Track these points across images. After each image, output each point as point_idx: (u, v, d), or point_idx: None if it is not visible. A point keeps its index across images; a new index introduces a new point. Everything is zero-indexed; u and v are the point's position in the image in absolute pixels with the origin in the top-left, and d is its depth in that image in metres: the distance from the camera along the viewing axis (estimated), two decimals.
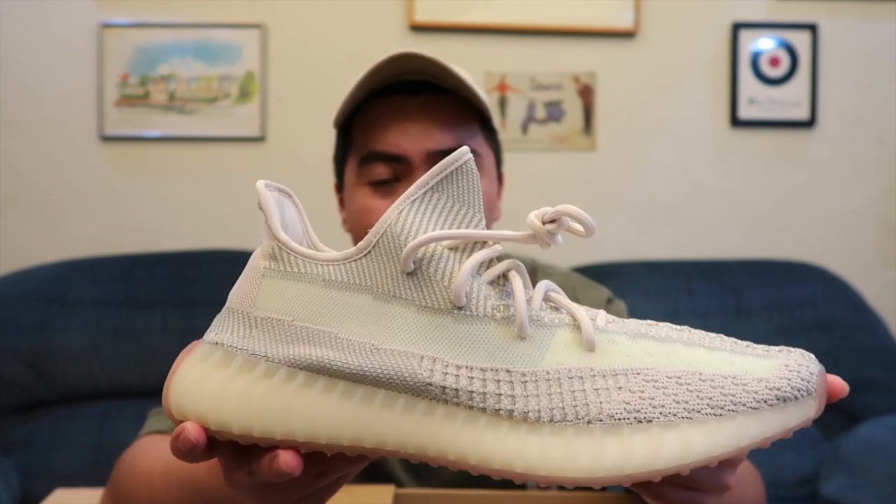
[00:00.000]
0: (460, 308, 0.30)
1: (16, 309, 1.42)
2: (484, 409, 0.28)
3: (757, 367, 0.30)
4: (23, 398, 1.41)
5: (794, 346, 0.33)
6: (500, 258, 0.33)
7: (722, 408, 0.28)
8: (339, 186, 0.74)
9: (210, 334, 0.33)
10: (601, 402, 0.28)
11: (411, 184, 0.52)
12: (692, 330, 0.32)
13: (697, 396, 0.28)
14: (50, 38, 1.65)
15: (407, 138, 0.63)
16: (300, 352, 0.30)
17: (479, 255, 0.31)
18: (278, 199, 0.34)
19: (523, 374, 0.29)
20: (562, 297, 0.33)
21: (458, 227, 0.31)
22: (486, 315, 0.30)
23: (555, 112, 1.70)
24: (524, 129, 1.68)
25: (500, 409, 0.28)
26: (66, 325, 1.41)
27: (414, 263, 0.30)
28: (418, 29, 1.66)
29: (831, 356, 1.45)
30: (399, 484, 0.76)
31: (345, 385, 0.29)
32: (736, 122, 1.71)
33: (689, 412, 0.28)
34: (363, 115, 0.67)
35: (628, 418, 0.27)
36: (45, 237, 1.66)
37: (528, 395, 0.28)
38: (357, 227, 0.67)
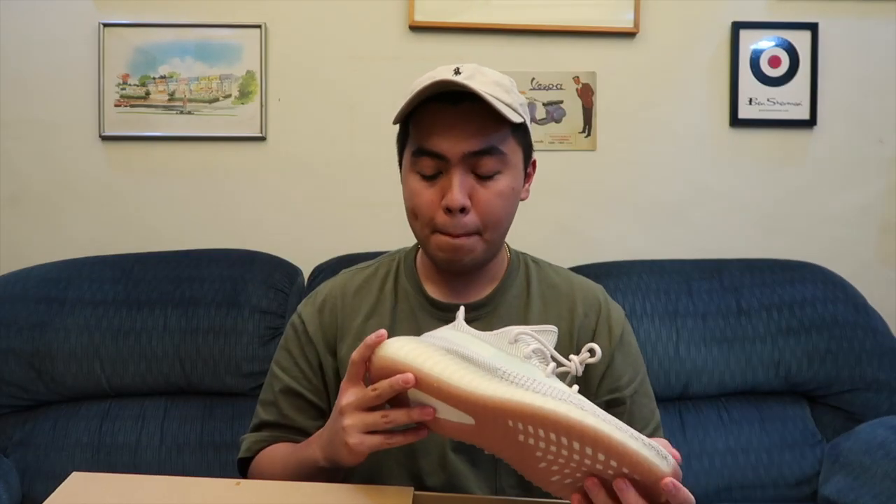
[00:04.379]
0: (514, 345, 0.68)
1: (16, 309, 1.42)
2: (518, 384, 0.61)
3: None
4: (23, 398, 1.41)
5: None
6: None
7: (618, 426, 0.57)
8: (401, 164, 0.91)
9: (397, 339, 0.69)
10: (571, 391, 0.61)
11: (449, 177, 0.81)
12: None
13: (605, 420, 0.58)
14: (50, 38, 1.65)
15: (448, 141, 0.81)
16: (444, 346, 0.67)
17: (534, 345, 0.67)
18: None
19: (543, 380, 0.62)
20: (557, 355, 0.67)
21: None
22: (527, 358, 0.66)
23: (555, 112, 1.70)
24: None
25: (527, 384, 0.60)
26: (66, 325, 1.41)
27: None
28: (418, 29, 1.66)
29: (831, 356, 1.45)
30: (445, 454, 0.89)
31: (461, 359, 0.65)
32: (736, 122, 1.71)
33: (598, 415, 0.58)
34: (418, 115, 0.84)
35: (573, 400, 0.59)
36: (45, 237, 1.66)
37: (544, 384, 0.60)
38: (408, 205, 0.87)
